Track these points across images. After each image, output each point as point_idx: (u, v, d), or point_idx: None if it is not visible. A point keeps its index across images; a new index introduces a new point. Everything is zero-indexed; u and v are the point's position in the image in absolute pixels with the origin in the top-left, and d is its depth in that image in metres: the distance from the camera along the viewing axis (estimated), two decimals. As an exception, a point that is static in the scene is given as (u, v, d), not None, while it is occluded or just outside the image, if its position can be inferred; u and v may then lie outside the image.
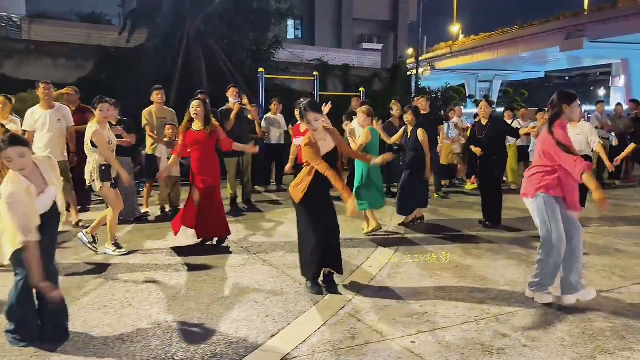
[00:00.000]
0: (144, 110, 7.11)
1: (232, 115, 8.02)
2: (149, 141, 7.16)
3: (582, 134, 6.55)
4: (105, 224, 5.40)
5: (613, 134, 10.22)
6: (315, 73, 11.97)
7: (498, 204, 6.80)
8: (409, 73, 24.73)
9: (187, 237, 6.10)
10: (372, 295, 4.23)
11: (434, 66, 48.21)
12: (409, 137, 6.93)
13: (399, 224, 6.81)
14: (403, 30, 29.39)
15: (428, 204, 7.07)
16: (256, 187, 9.43)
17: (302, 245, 4.33)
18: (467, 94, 36.16)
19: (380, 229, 6.39)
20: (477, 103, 29.61)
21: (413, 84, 22.92)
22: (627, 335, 3.46)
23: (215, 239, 5.79)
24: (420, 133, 6.74)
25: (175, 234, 5.69)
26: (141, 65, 14.38)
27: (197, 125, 5.62)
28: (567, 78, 70.87)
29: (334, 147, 4.26)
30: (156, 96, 7.00)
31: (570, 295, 4.00)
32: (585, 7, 39.18)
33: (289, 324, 3.65)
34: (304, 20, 27.95)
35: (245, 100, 9.13)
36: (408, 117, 6.92)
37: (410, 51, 51.24)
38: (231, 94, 8.13)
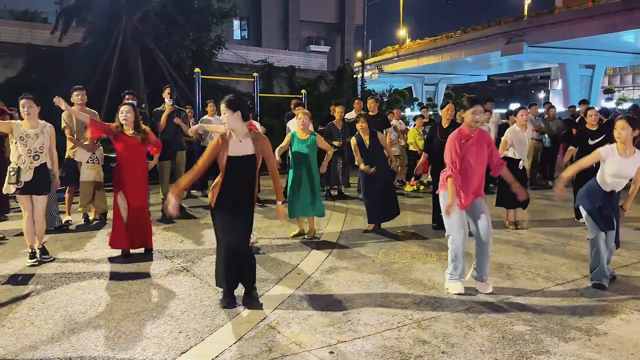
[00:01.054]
0: (63, 112, 6.69)
1: (163, 117, 7.74)
2: (68, 145, 6.73)
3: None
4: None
5: (546, 135, 10.54)
6: (255, 74, 11.73)
7: None
8: (355, 76, 24.89)
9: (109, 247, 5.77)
10: (296, 304, 4.08)
11: (382, 69, 48.91)
12: (367, 144, 6.57)
13: (365, 231, 6.60)
14: (350, 33, 29.53)
15: None
16: (192, 191, 9.12)
17: (217, 253, 4.08)
18: (414, 97, 36.87)
19: (303, 235, 6.31)
20: (421, 106, 30.19)
21: (359, 87, 23.05)
22: (546, 338, 3.46)
23: (142, 249, 5.51)
24: (382, 136, 6.64)
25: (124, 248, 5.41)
26: (75, 65, 13.76)
27: (128, 131, 5.33)
28: (509, 81, 73.68)
29: (249, 155, 3.92)
30: (76, 97, 6.60)
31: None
32: (525, 12, 40.83)
33: (202, 340, 3.43)
34: (250, 22, 27.60)
35: (188, 111, 8.90)
36: (362, 124, 6.57)
37: (359, 54, 51.75)
38: (167, 94, 7.85)
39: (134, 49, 14.27)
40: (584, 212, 4.63)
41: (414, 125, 10.57)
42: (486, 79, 57.55)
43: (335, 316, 3.82)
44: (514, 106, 29.13)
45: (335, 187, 9.13)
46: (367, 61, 52.94)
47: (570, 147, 7.05)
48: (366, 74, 50.94)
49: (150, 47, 14.48)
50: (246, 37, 27.59)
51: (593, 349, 3.29)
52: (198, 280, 4.62)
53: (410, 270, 4.96)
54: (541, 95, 62.80)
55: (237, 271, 3.98)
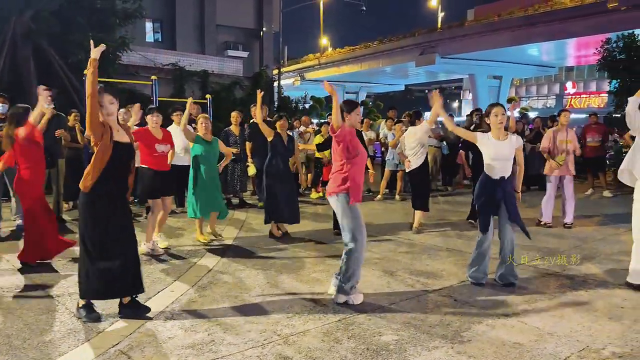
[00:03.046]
0: None
1: (43, 122, 7.10)
2: None
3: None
4: None
5: (445, 142, 10.88)
6: (153, 77, 11.23)
7: None
8: (275, 83, 24.78)
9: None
10: (160, 324, 3.77)
11: (304, 76, 49.21)
12: (286, 142, 6.72)
13: (271, 237, 6.63)
14: (268, 39, 29.30)
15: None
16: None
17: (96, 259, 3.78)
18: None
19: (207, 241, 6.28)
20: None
21: (275, 93, 22.93)
22: (410, 347, 3.40)
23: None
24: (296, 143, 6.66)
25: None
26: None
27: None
28: (426, 91, 76.67)
29: (128, 142, 3.91)
30: None
31: (342, 295, 4.21)
32: (439, 24, 42.66)
33: (37, 371, 3.06)
34: (164, 24, 26.63)
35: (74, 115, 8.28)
36: (283, 122, 6.74)
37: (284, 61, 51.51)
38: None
39: (24, 49, 13.26)
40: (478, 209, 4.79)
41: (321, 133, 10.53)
42: (404, 88, 59.52)
43: (198, 336, 3.56)
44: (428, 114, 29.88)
45: (236, 195, 8.86)
46: (289, 68, 53.09)
47: (461, 151, 7.40)
48: (289, 81, 51.06)
49: (44, 47, 13.52)
50: (160, 39, 26.58)
51: (454, 357, 3.27)
52: (54, 302, 4.18)
53: (294, 281, 4.80)
54: (455, 104, 65.94)
55: (123, 278, 3.78)
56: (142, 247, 5.65)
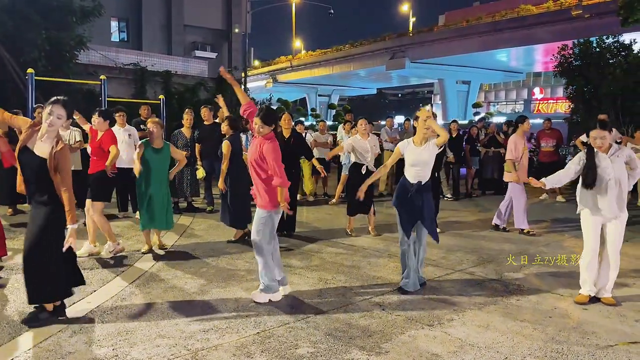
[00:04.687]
0: None
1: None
2: None
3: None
4: None
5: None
6: (102, 77, 10.90)
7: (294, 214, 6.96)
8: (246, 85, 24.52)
9: None
10: (66, 337, 3.54)
11: (276, 79, 49.06)
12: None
13: (228, 241, 6.48)
14: (237, 40, 29.01)
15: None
16: (20, 206, 8.12)
17: None
18: (297, 107, 37.19)
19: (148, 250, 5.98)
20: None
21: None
22: (324, 361, 3.27)
23: None
24: (225, 145, 6.44)
25: None
26: None
27: None
28: (399, 95, 77.47)
29: (39, 156, 3.63)
30: None
31: (261, 294, 4.33)
32: (410, 29, 43.02)
33: None
34: (130, 23, 26.10)
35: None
36: (223, 127, 6.60)
37: (256, 62, 51.22)
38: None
39: (-28, 47, 12.76)
40: (396, 213, 4.74)
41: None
42: (376, 92, 59.83)
43: (101, 352, 3.35)
44: (401, 118, 30.18)
45: (185, 199, 8.62)
46: (261, 70, 52.64)
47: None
48: (260, 83, 50.65)
49: (-6, 44, 13.05)
50: (125, 39, 26.06)
51: (367, 372, 3.15)
52: (-44, 315, 3.92)
53: (223, 291, 4.62)
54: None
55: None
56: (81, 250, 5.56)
